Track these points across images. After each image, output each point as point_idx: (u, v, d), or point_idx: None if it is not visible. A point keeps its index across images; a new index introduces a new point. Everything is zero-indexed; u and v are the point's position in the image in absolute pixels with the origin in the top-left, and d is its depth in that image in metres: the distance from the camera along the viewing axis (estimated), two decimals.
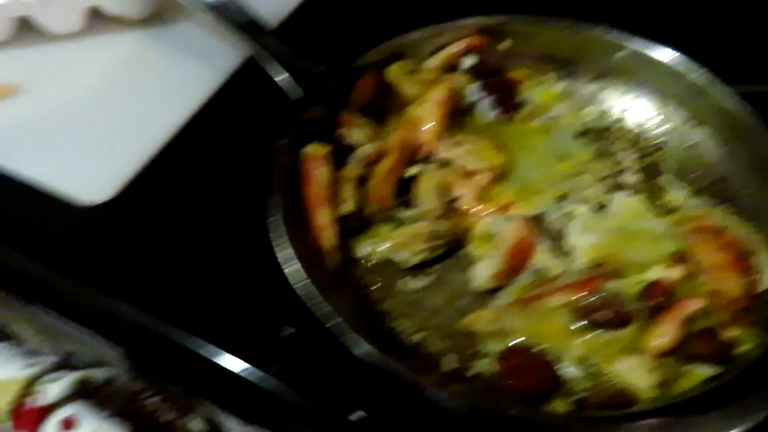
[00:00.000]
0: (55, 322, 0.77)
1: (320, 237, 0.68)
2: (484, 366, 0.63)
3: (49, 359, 0.73)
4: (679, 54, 0.79)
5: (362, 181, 0.73)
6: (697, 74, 0.78)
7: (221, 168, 0.79)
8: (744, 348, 0.61)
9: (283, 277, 0.63)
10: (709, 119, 0.78)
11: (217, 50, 0.87)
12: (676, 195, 0.76)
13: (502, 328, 0.64)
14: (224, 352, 0.65)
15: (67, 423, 0.70)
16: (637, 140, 0.81)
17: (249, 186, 0.72)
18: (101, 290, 0.70)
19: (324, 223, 0.68)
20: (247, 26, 0.80)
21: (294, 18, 0.92)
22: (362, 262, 0.71)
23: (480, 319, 0.65)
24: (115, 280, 0.71)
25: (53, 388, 0.70)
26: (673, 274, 0.66)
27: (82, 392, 0.73)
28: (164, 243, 0.74)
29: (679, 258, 0.68)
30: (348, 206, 0.70)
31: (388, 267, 0.70)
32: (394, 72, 0.81)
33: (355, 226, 0.71)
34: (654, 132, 0.81)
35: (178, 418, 0.84)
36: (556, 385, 0.60)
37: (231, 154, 0.80)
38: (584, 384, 0.60)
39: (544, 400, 0.59)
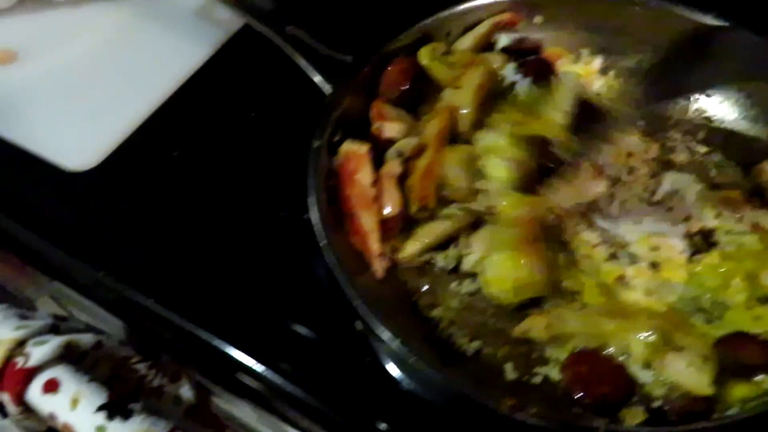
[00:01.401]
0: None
1: (366, 242, 0.64)
2: (548, 372, 0.60)
3: (39, 323, 0.72)
4: (729, 22, 0.73)
5: (403, 177, 0.69)
6: (747, 42, 0.73)
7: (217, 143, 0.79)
8: None
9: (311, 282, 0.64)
10: (759, 88, 0.74)
11: (209, 20, 0.87)
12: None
13: (560, 333, 0.61)
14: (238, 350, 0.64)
15: (49, 385, 0.69)
16: (685, 112, 0.76)
17: (247, 165, 0.75)
18: (85, 260, 0.71)
19: (370, 227, 0.64)
20: (264, 15, 0.74)
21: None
22: (405, 265, 0.67)
23: (535, 325, 0.61)
24: (99, 251, 0.71)
25: (40, 350, 0.69)
26: None
27: (67, 356, 0.72)
28: (156, 215, 0.74)
29: None
30: (392, 208, 0.66)
31: (432, 269, 0.67)
32: (426, 56, 0.75)
33: (398, 228, 0.67)
34: (702, 104, 0.77)
35: (167, 384, 0.86)
36: (631, 390, 0.57)
37: (220, 129, 0.80)
38: (658, 390, 0.57)
39: (619, 409, 0.56)
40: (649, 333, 0.59)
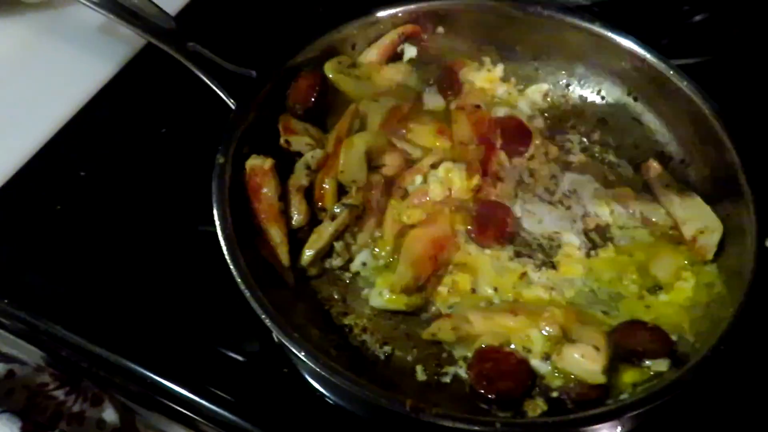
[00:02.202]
0: None
1: (276, 254, 0.65)
2: (456, 371, 0.63)
3: None
4: (615, 29, 0.78)
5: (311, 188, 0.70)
6: (634, 48, 0.77)
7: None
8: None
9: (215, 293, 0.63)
10: (647, 91, 0.79)
11: (113, 37, 0.85)
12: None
13: (467, 333, 0.63)
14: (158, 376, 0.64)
15: None
16: (581, 115, 0.81)
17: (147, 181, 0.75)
18: None
19: (279, 240, 0.65)
20: (164, 33, 0.74)
21: (195, 11, 0.89)
22: (314, 274, 0.68)
23: (442, 327, 0.63)
24: (2, 277, 0.69)
25: None
26: None
27: None
28: (63, 238, 0.72)
29: None
30: (299, 220, 0.67)
31: (342, 277, 0.68)
32: (331, 69, 0.77)
33: (306, 237, 0.68)
34: (596, 107, 0.81)
35: (89, 409, 0.85)
36: (532, 383, 0.60)
37: (130, 146, 0.79)
38: (556, 381, 0.61)
39: (521, 402, 0.59)
40: (549, 327, 0.62)
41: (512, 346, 0.62)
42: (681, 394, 0.55)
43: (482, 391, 0.58)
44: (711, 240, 0.66)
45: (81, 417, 0.89)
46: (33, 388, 0.87)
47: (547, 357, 0.61)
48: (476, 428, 0.52)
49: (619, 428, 0.61)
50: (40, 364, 0.88)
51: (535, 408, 0.59)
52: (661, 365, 0.60)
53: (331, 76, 0.76)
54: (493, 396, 0.58)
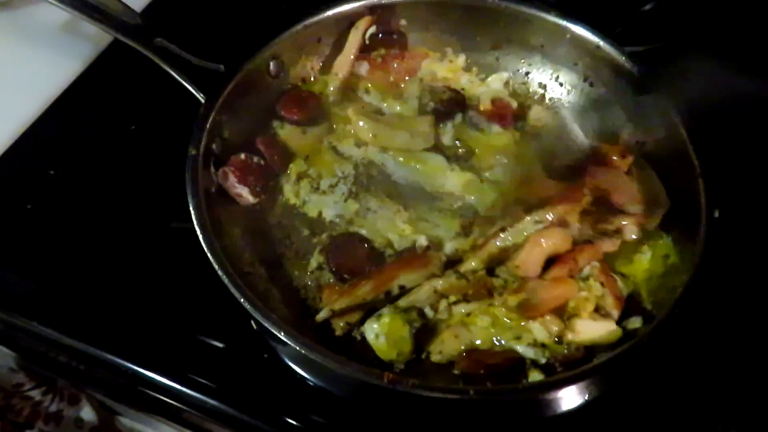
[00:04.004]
0: None
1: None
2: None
3: None
4: (569, 18, 0.81)
5: None
6: (588, 36, 0.81)
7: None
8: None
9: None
10: (601, 76, 0.82)
11: (77, 36, 0.85)
12: None
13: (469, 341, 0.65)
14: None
15: None
16: (542, 101, 0.84)
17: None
18: None
19: None
20: (130, 29, 0.74)
21: (159, 7, 0.89)
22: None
23: (446, 341, 0.64)
24: None
25: None
26: None
27: None
28: (35, 236, 0.72)
29: None
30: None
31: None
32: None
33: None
34: (555, 92, 0.85)
35: (66, 408, 0.86)
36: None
37: (100, 143, 0.79)
38: (541, 359, 0.64)
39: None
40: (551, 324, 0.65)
41: (502, 342, 0.64)
42: (638, 358, 0.59)
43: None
44: (657, 213, 0.71)
45: (59, 416, 0.89)
46: (8, 389, 0.87)
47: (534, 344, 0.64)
48: (451, 396, 0.54)
49: (586, 395, 0.64)
50: (13, 366, 0.87)
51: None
52: (635, 322, 0.64)
53: None
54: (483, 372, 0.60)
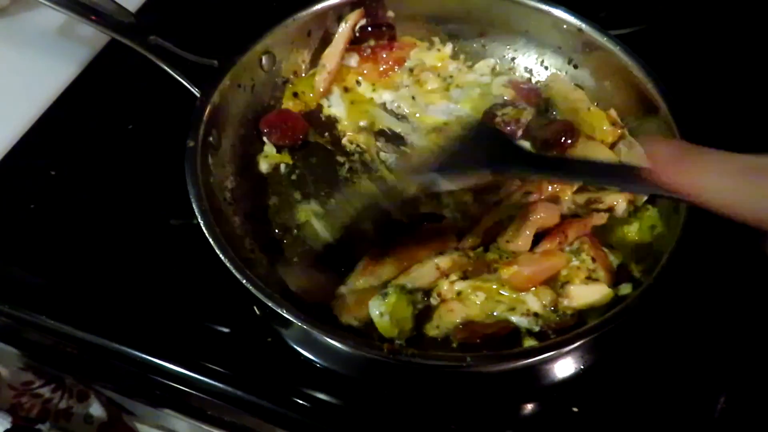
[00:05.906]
0: None
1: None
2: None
3: None
4: (552, 3, 0.84)
5: None
6: (570, 19, 0.83)
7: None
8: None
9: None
10: (586, 59, 0.85)
11: (73, 38, 0.87)
12: None
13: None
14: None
15: None
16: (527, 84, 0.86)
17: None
18: None
19: None
20: (125, 27, 0.76)
21: (153, 7, 0.91)
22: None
23: (443, 316, 0.66)
24: None
25: None
26: None
27: None
28: (41, 235, 0.73)
29: None
30: None
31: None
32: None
33: None
34: (541, 75, 0.87)
35: (75, 405, 0.87)
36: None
37: (98, 144, 0.81)
38: (534, 327, 0.66)
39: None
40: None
41: (496, 314, 0.65)
42: (629, 322, 0.61)
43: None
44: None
45: (68, 413, 0.91)
46: (18, 387, 0.89)
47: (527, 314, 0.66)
48: (448, 364, 0.56)
49: (581, 364, 0.66)
50: (20, 366, 0.89)
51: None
52: (625, 288, 0.66)
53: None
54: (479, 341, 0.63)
